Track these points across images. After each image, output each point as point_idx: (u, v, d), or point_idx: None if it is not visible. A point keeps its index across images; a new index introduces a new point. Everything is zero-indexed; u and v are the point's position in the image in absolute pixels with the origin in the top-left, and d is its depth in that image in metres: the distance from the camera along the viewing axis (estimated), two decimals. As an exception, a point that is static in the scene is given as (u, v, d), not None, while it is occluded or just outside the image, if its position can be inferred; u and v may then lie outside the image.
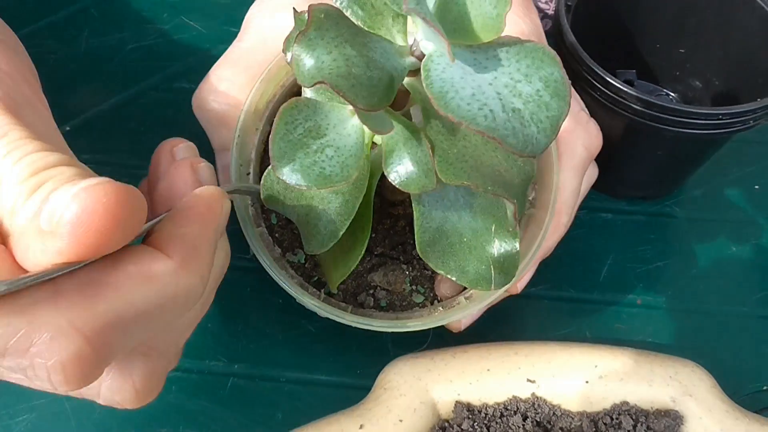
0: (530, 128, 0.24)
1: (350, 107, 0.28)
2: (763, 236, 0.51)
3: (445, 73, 0.24)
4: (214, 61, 0.60)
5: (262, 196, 0.32)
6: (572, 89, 0.40)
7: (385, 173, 0.28)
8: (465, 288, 0.37)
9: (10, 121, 0.24)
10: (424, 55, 0.25)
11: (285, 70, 0.39)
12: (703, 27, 0.49)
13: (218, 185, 0.30)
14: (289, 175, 0.27)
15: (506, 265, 0.31)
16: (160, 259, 0.24)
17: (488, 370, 0.39)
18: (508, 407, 0.39)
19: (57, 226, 0.21)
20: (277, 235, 0.37)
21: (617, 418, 0.38)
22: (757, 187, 0.53)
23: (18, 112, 0.24)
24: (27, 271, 0.22)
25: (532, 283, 0.48)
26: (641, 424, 0.38)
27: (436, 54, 0.25)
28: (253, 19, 0.42)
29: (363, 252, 0.33)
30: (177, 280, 0.24)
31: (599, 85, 0.42)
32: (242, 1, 0.61)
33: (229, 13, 0.61)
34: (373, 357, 0.44)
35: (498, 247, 0.31)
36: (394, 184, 0.28)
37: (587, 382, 0.39)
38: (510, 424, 0.38)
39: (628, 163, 0.48)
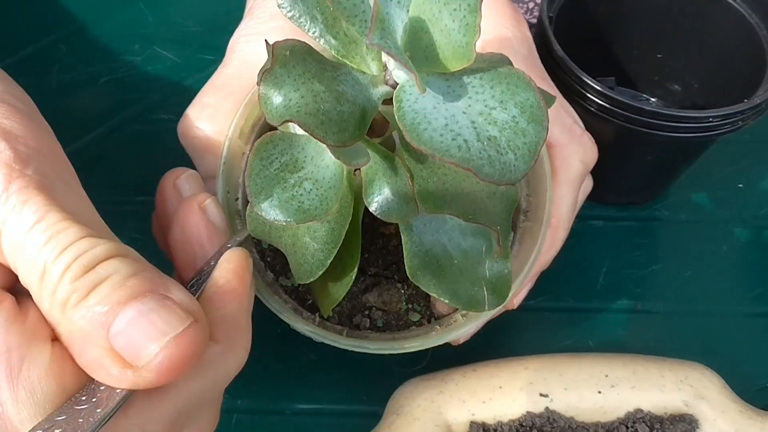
0: (507, 156, 0.24)
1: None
2: (752, 234, 0.51)
3: (417, 103, 0.24)
4: (191, 90, 0.59)
5: (248, 228, 0.31)
6: (565, 102, 0.40)
7: (366, 204, 0.28)
8: None
9: (45, 202, 0.23)
10: (397, 84, 0.25)
11: None
12: (680, 31, 0.49)
13: (226, 219, 0.29)
14: (267, 211, 0.27)
15: (499, 286, 0.31)
16: (210, 346, 0.25)
17: (500, 387, 0.39)
18: (524, 423, 0.38)
19: (140, 364, 0.22)
20: (269, 259, 0.37)
21: (632, 427, 0.38)
22: (740, 185, 0.54)
23: (52, 190, 0.24)
24: (86, 373, 0.23)
25: (531, 295, 0.48)
26: (657, 431, 0.38)
27: (407, 84, 0.25)
28: (237, 44, 0.41)
29: (353, 278, 0.32)
30: (227, 362, 0.25)
31: (589, 95, 0.42)
32: (215, 28, 0.60)
33: (203, 41, 0.60)
34: (378, 380, 0.44)
35: (490, 267, 0.31)
36: (375, 214, 0.28)
37: (600, 392, 0.39)
38: (526, 441, 0.37)
39: (617, 170, 0.49)
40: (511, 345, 0.45)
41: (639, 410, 0.38)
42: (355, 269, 0.32)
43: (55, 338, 0.23)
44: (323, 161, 0.28)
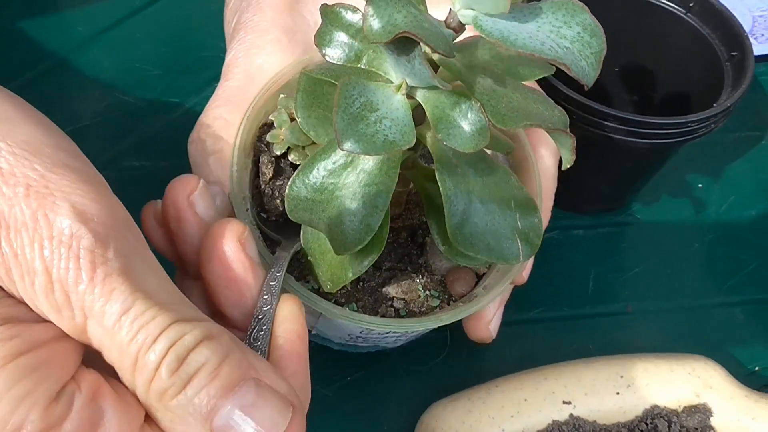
0: (581, 63, 0.27)
1: (394, 84, 0.30)
2: (717, 230, 0.55)
3: (497, 24, 0.27)
4: (160, 135, 0.59)
5: (287, 210, 0.32)
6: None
7: (440, 138, 0.29)
8: (477, 283, 0.38)
9: (131, 290, 0.24)
10: (461, 25, 0.28)
11: (265, 109, 0.38)
12: (637, 45, 0.52)
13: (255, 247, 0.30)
14: (354, 146, 0.28)
15: (531, 236, 0.33)
16: None
17: (525, 399, 0.40)
18: (552, 432, 0.39)
19: None
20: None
21: (652, 423, 0.40)
22: (700, 185, 0.57)
23: (133, 272, 0.24)
24: None
25: (529, 307, 0.49)
26: (675, 424, 0.40)
27: (478, 17, 0.27)
28: (237, 59, 0.42)
29: (381, 250, 0.33)
30: (298, 426, 0.25)
31: (565, 104, 0.44)
32: (177, 71, 0.60)
33: (166, 84, 0.59)
34: (394, 407, 0.44)
35: (521, 219, 0.33)
36: (450, 145, 0.29)
37: (618, 393, 0.40)
38: (556, 449, 0.38)
39: (590, 178, 0.51)
40: (520, 357, 0.46)
41: (655, 406, 0.40)
42: (384, 242, 0.33)
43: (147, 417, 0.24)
44: (393, 104, 0.30)
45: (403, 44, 0.27)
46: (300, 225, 0.34)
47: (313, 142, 0.36)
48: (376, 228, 0.31)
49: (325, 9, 0.31)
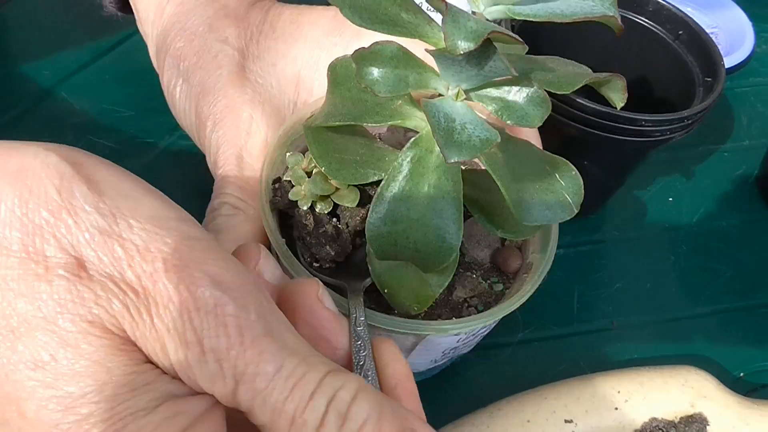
0: (609, 13, 0.31)
1: (451, 94, 0.33)
2: (690, 242, 0.56)
3: (533, 8, 0.31)
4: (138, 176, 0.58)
5: (373, 252, 0.34)
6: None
7: (509, 124, 0.32)
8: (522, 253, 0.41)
9: (278, 349, 0.24)
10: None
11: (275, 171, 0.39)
12: (626, 66, 0.54)
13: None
14: (460, 153, 0.30)
15: (574, 188, 0.35)
16: None
17: (528, 421, 0.40)
18: (556, 452, 0.40)
19: None
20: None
21: (651, 436, 0.41)
22: (670, 199, 0.59)
23: (273, 330, 0.25)
24: None
25: (515, 330, 0.50)
26: (673, 435, 0.41)
27: (510, 9, 0.31)
28: (224, 153, 0.43)
29: (457, 257, 0.35)
30: None
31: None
32: (148, 111, 0.59)
33: (138, 125, 0.58)
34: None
35: (560, 177, 0.35)
36: (522, 125, 0.32)
37: (617, 408, 0.41)
38: (562, 468, 0.39)
39: None
40: (513, 378, 0.47)
41: (653, 419, 0.41)
42: (458, 250, 0.34)
43: None
44: (460, 111, 0.32)
45: (478, 50, 0.28)
46: (357, 263, 0.35)
47: (337, 188, 0.36)
48: (461, 233, 0.33)
49: (359, 53, 0.31)
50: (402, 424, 0.24)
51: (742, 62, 0.66)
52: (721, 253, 0.56)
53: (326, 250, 0.37)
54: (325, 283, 0.35)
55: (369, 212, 0.33)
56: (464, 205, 0.37)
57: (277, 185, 0.39)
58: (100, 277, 0.24)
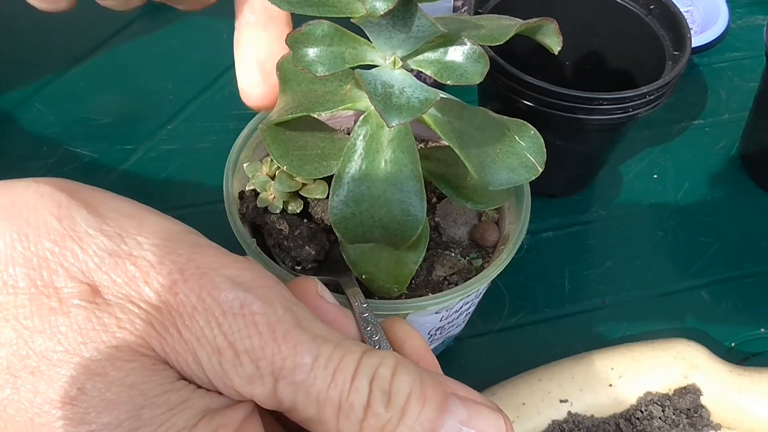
0: None
1: (389, 62, 0.32)
2: (677, 216, 0.56)
3: None
4: (117, 185, 0.57)
5: (340, 236, 0.33)
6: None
7: (449, 83, 0.32)
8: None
9: (311, 339, 0.24)
10: None
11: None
12: (604, 43, 0.55)
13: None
14: (400, 116, 0.30)
15: (535, 146, 0.35)
16: None
17: (523, 403, 0.40)
18: (553, 432, 0.40)
19: None
20: None
21: (647, 409, 0.41)
22: (655, 176, 0.59)
23: (302, 321, 0.24)
24: None
25: (509, 315, 0.50)
26: (668, 408, 0.41)
27: None
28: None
29: (428, 234, 0.35)
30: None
31: (529, 91, 0.46)
32: (126, 117, 0.59)
33: (117, 132, 0.58)
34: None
35: (520, 138, 0.35)
36: (461, 84, 0.31)
37: (611, 385, 0.41)
38: (560, 448, 0.39)
39: (555, 160, 0.52)
40: (508, 363, 0.47)
41: (648, 393, 0.41)
42: (427, 223, 0.34)
43: None
44: (399, 77, 0.32)
45: (400, 9, 0.28)
46: (336, 258, 0.35)
47: (304, 184, 0.36)
48: (424, 204, 0.33)
49: (292, 36, 0.31)
50: (443, 389, 0.24)
51: (717, 38, 0.67)
52: (708, 226, 0.56)
53: (307, 251, 0.37)
54: None
55: (330, 197, 0.33)
56: (432, 182, 0.38)
57: (242, 198, 0.39)
58: (117, 300, 0.23)
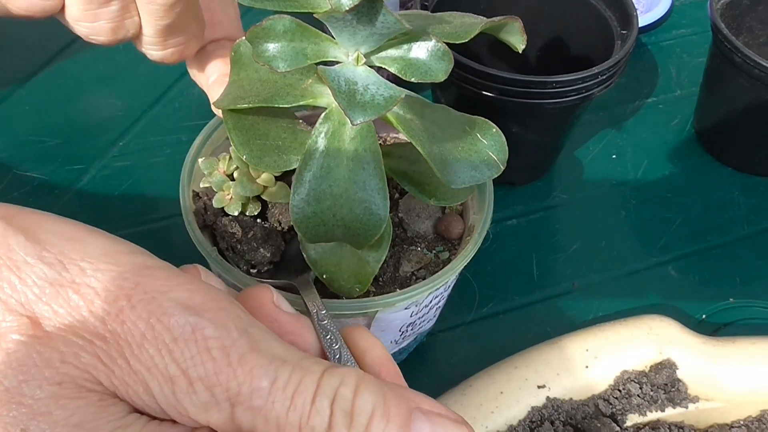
0: None
1: (351, 59, 0.32)
2: (638, 195, 0.57)
3: None
4: (69, 207, 0.56)
5: (300, 234, 0.33)
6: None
7: (413, 81, 0.31)
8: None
9: (267, 361, 0.23)
10: None
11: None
12: (552, 30, 0.55)
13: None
14: (364, 114, 0.29)
15: (497, 144, 0.35)
16: None
17: (501, 392, 0.40)
18: (533, 419, 0.39)
19: None
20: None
21: (624, 388, 0.41)
22: (614, 156, 0.59)
23: (258, 342, 0.23)
24: None
25: (481, 304, 0.50)
26: (645, 385, 0.41)
27: None
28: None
29: (391, 232, 0.35)
30: None
31: (481, 80, 0.46)
32: (76, 137, 0.57)
33: (67, 153, 0.56)
34: None
35: (482, 136, 0.35)
36: (426, 80, 0.31)
37: (587, 366, 0.41)
38: (542, 435, 0.38)
39: (514, 147, 0.52)
40: (483, 354, 0.46)
41: (625, 371, 0.41)
42: (390, 221, 0.34)
43: None
44: (362, 74, 0.31)
45: (365, 5, 0.28)
46: (292, 258, 0.34)
47: (265, 187, 0.35)
48: (387, 203, 0.33)
49: (253, 31, 0.30)
50: (407, 405, 0.23)
51: (663, 17, 0.67)
52: (669, 202, 0.56)
53: (261, 253, 0.36)
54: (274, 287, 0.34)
55: (291, 195, 0.32)
56: (395, 179, 0.37)
57: (195, 198, 0.38)
58: (59, 332, 0.22)
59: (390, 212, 0.41)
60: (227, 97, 0.35)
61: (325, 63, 0.33)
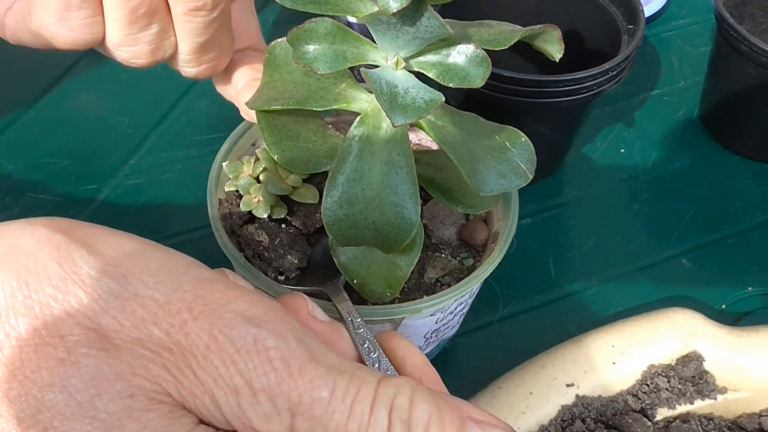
0: None
1: (391, 63, 0.32)
2: (649, 188, 0.57)
3: None
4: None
5: (332, 237, 0.33)
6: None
7: (452, 86, 0.31)
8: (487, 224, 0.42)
9: (326, 371, 0.23)
10: None
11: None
12: (557, 26, 0.54)
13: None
14: (406, 116, 0.30)
15: (526, 154, 0.36)
16: None
17: (531, 393, 0.40)
18: (564, 418, 0.39)
19: None
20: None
21: (653, 382, 0.41)
22: (622, 150, 0.60)
23: (315, 353, 0.24)
24: None
25: (498, 307, 0.50)
26: (674, 378, 0.41)
27: None
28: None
29: (423, 234, 0.35)
30: None
31: (498, 83, 0.46)
32: (88, 156, 0.57)
33: (80, 173, 0.56)
34: None
35: (511, 145, 0.36)
36: (465, 86, 0.31)
37: (614, 363, 0.41)
38: (574, 433, 0.39)
39: None
40: (507, 355, 0.46)
41: (651, 366, 0.41)
42: (421, 226, 0.34)
43: None
44: (401, 78, 0.32)
45: (411, 9, 0.28)
46: (319, 262, 0.34)
47: (294, 188, 0.35)
48: (419, 208, 0.33)
49: (294, 34, 0.31)
50: (460, 414, 0.24)
51: (662, 8, 0.68)
52: (681, 193, 0.57)
53: (289, 260, 0.36)
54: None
55: (323, 198, 0.32)
56: (422, 186, 0.37)
57: (223, 201, 0.38)
58: (127, 345, 0.22)
59: (422, 219, 0.42)
60: (260, 98, 0.35)
61: (365, 66, 0.33)
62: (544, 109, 0.48)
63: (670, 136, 0.61)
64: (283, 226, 0.37)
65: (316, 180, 0.38)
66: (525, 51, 0.57)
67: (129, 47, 0.34)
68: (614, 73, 0.47)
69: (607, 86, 0.47)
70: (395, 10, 0.27)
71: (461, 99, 0.51)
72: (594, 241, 0.54)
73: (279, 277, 0.37)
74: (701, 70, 0.61)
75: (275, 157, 0.34)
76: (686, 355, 0.42)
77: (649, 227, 0.55)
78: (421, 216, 0.41)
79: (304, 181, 0.38)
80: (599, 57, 0.53)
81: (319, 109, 0.34)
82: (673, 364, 0.42)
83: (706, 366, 0.41)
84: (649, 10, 0.67)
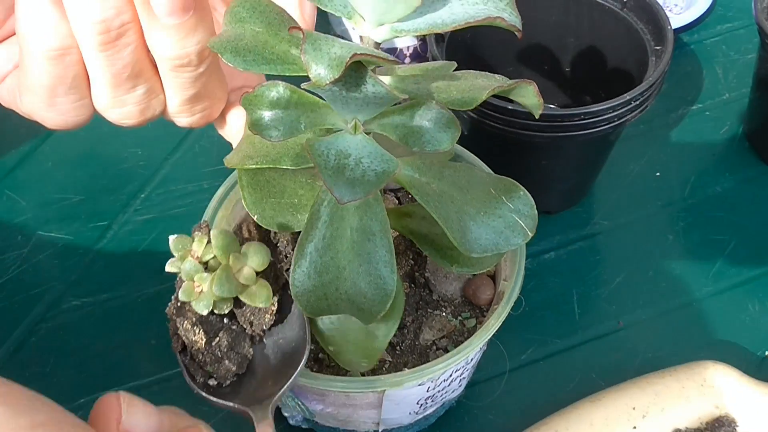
0: (504, 14, 0.28)
1: (349, 127, 0.30)
2: (687, 216, 0.53)
3: (417, 21, 0.28)
4: (95, 265, 0.55)
5: (302, 308, 0.31)
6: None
7: (415, 151, 0.29)
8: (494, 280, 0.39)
9: None
10: (377, 45, 0.29)
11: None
12: (581, 43, 0.52)
13: None
14: (352, 192, 0.27)
15: (525, 209, 0.33)
16: None
17: (542, 461, 0.37)
18: (578, 489, 0.36)
19: None
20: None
21: (678, 449, 0.37)
22: (657, 174, 0.55)
23: None
24: None
25: (518, 351, 0.47)
26: (701, 444, 0.37)
27: (394, 27, 0.28)
28: None
29: (402, 305, 0.34)
30: None
31: (513, 119, 0.43)
32: (98, 192, 0.57)
33: (90, 209, 0.56)
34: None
35: (508, 200, 0.33)
36: (429, 151, 0.29)
37: (635, 427, 0.38)
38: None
39: (549, 178, 0.50)
40: (523, 408, 0.44)
41: (677, 430, 0.38)
42: (402, 293, 0.33)
43: None
44: (359, 144, 0.30)
45: (351, 76, 0.26)
46: (263, 373, 0.32)
47: (245, 286, 0.31)
48: (395, 276, 0.31)
49: (246, 98, 0.29)
50: None
51: (705, 12, 0.62)
52: (722, 222, 0.52)
53: (226, 366, 0.31)
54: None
55: (293, 266, 0.30)
56: (415, 242, 0.35)
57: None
58: None
59: (416, 271, 0.39)
60: (237, 155, 0.33)
61: (324, 131, 0.31)
62: (563, 143, 0.45)
63: (711, 156, 0.56)
64: (226, 321, 0.32)
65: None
66: (547, 71, 0.54)
67: (117, 109, 0.34)
68: (637, 102, 0.43)
69: (630, 116, 0.44)
70: (327, 81, 0.25)
71: (473, 133, 0.48)
72: (623, 277, 0.50)
73: (209, 382, 0.32)
74: (748, 80, 0.56)
75: (255, 218, 0.33)
76: (717, 418, 0.38)
77: (684, 261, 0.51)
78: (423, 269, 0.39)
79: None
80: (626, 79, 0.49)
81: (294, 168, 0.32)
82: (702, 428, 0.38)
83: (740, 431, 0.37)
84: (691, 15, 0.62)
